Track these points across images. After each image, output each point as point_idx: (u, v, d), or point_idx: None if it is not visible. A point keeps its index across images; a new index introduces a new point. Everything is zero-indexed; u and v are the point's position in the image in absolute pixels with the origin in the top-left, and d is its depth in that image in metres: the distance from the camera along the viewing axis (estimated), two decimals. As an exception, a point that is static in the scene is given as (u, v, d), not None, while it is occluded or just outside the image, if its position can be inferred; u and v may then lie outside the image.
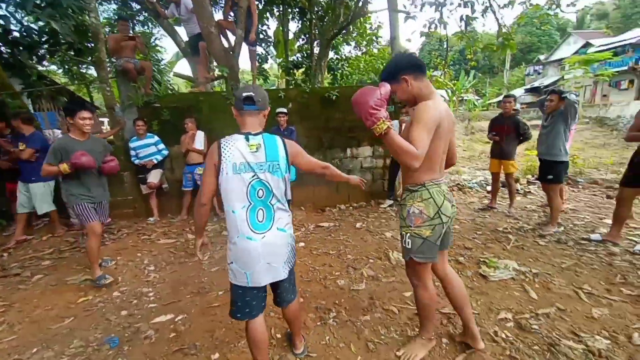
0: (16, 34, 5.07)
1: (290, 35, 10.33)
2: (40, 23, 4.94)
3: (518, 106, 5.46)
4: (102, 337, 2.13)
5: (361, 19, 9.13)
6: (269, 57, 10.93)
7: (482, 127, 13.44)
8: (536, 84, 29.56)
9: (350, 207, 5.13)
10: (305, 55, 10.78)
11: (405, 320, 2.17)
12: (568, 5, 6.22)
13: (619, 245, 3.11)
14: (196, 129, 4.63)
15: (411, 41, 32.02)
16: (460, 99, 21.63)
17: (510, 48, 5.21)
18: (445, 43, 7.06)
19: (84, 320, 2.34)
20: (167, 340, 2.08)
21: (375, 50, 10.86)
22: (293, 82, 10.59)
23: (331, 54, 10.49)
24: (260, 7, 7.91)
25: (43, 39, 5.34)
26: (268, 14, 9.07)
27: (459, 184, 6.19)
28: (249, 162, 1.42)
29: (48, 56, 5.94)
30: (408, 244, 1.62)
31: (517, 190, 5.27)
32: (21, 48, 5.15)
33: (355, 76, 11.84)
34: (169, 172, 4.99)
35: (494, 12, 5.30)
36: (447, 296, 1.82)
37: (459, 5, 5.67)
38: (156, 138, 4.59)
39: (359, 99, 1.35)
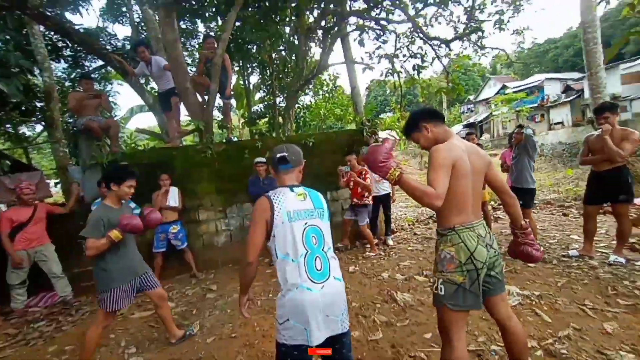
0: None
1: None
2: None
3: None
4: None
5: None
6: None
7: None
8: (471, 120, 33.80)
9: (336, 251, 5.01)
10: (268, 105, 11.16)
11: (438, 365, 2.05)
12: (483, 55, 7.36)
13: (594, 257, 3.39)
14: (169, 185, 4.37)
15: (369, 90, 35.35)
16: (409, 137, 23.61)
17: (459, 91, 5.93)
18: (400, 89, 7.82)
19: None
20: None
21: (335, 99, 11.62)
22: (257, 132, 10.76)
23: (292, 104, 10.98)
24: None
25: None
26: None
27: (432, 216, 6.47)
28: (300, 209, 1.47)
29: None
30: (441, 290, 1.53)
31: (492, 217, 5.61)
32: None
33: (316, 122, 12.43)
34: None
35: (441, 62, 6.07)
36: (505, 345, 1.71)
37: (410, 56, 6.42)
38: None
39: (368, 157, 1.50)
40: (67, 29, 5.14)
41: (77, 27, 6.44)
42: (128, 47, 8.41)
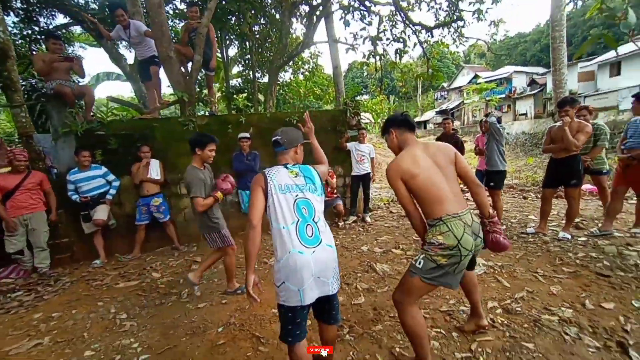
0: None
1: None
2: None
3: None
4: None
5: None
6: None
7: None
8: (444, 106, 34.92)
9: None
10: (246, 80, 10.83)
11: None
12: (461, 44, 7.64)
13: (547, 234, 3.85)
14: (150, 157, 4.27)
15: (348, 71, 35.35)
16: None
17: (438, 77, 6.17)
18: (380, 72, 7.93)
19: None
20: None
21: (315, 78, 11.50)
22: (235, 107, 10.46)
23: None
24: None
25: None
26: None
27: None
28: (291, 184, 1.62)
29: None
30: (419, 264, 1.66)
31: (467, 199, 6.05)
32: None
33: (295, 101, 12.29)
34: (116, 206, 4.42)
35: (422, 48, 6.24)
36: (463, 287, 2.04)
37: (393, 40, 6.52)
38: (104, 169, 4.08)
39: None
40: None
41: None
42: (95, 6, 7.74)
